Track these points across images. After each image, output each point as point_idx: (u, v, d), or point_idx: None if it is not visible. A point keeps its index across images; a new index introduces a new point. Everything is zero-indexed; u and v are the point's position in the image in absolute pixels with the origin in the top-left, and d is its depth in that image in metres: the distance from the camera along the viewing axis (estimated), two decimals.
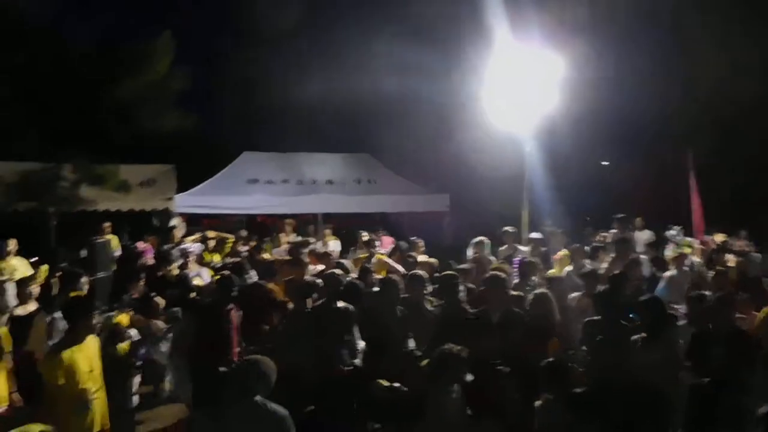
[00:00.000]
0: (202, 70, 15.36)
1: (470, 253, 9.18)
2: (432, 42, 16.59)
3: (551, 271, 8.19)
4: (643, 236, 10.84)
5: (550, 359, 4.74)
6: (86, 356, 4.54)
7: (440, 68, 15.77)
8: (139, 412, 6.50)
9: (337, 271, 6.85)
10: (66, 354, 4.41)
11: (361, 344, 5.98)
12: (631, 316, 5.77)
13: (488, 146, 12.76)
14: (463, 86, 12.25)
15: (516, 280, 7.46)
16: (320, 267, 8.16)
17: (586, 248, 8.74)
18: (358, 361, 5.91)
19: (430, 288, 6.62)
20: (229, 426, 3.82)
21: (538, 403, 4.42)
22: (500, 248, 9.61)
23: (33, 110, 13.14)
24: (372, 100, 19.18)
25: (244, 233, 10.81)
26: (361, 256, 9.33)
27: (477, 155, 14.51)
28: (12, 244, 8.92)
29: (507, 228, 9.90)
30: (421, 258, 8.92)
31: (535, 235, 9.99)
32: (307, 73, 21.10)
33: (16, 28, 13.37)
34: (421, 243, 9.73)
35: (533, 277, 7.53)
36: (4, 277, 7.80)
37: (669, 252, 9.55)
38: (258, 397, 3.88)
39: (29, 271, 8.52)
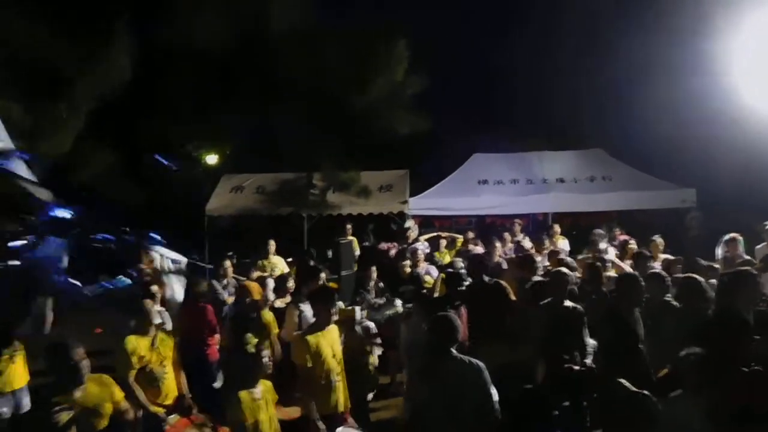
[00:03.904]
0: (434, 74, 15.83)
1: (720, 252, 8.29)
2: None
3: None
4: None
5: None
6: (329, 342, 5.05)
7: (683, 37, 13.99)
8: (374, 401, 6.85)
9: (566, 270, 6.67)
10: (312, 339, 4.95)
11: (591, 343, 5.78)
12: None
13: (744, 131, 11.27)
14: (712, 61, 10.79)
15: None
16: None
17: None
18: (588, 361, 5.72)
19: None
20: (442, 380, 4.12)
21: None
22: (757, 246, 8.49)
23: (288, 127, 14.80)
24: (606, 87, 18.12)
25: (471, 234, 11.00)
26: (587, 256, 8.95)
27: (730, 142, 12.88)
28: (273, 244, 10.17)
29: (767, 223, 8.71)
30: (662, 256, 8.33)
31: None
32: (537, 71, 20.77)
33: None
34: (660, 241, 9.00)
35: None
36: (265, 273, 8.97)
37: None
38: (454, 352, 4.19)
39: (286, 269, 9.66)
